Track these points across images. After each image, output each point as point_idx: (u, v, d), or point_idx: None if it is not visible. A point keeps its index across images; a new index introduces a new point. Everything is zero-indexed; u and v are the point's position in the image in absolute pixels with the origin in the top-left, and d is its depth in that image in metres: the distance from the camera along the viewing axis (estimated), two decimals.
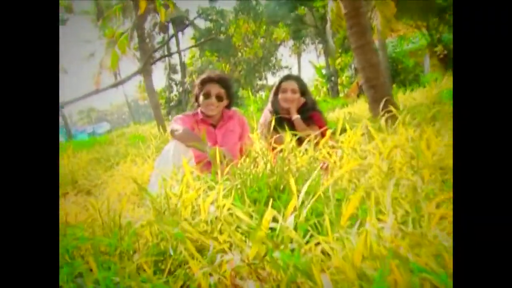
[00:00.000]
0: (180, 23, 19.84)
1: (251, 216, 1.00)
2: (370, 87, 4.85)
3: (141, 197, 1.12)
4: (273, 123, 1.66)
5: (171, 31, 20.66)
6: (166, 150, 2.17)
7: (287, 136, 1.59)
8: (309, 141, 1.74)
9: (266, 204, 1.40)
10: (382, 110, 1.89)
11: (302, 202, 0.92)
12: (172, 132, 2.29)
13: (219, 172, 1.15)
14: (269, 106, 2.66)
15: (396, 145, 1.48)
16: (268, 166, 1.62)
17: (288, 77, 2.70)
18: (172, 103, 21.39)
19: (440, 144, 1.51)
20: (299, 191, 1.55)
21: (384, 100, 4.66)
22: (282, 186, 1.60)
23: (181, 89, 20.91)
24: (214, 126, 2.46)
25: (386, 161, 1.50)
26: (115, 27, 17.13)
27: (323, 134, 2.03)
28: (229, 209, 1.15)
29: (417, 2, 10.05)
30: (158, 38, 21.28)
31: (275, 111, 2.56)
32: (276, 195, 1.52)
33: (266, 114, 2.61)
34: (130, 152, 4.01)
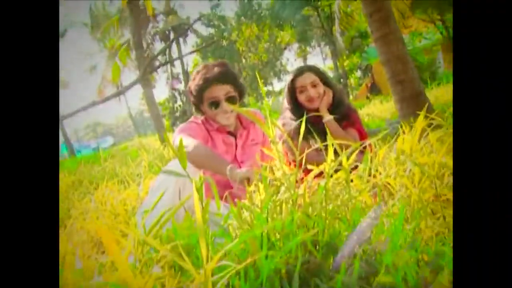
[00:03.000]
0: (181, 30, 19.34)
1: None
2: (397, 82, 4.15)
3: None
4: (302, 129, 0.97)
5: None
6: (161, 184, 1.47)
7: (330, 151, 0.90)
8: (358, 154, 1.07)
9: None
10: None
11: None
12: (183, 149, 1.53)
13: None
14: (288, 115, 1.93)
15: None
16: (298, 202, 0.95)
17: (301, 70, 1.92)
18: (176, 114, 20.83)
19: None
20: (358, 255, 0.86)
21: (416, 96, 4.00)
22: (325, 238, 0.92)
23: (185, 98, 20.35)
24: (233, 134, 1.83)
25: None
26: (115, 38, 16.68)
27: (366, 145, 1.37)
28: None
29: None
30: (160, 47, 20.79)
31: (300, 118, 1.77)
32: (317, 258, 0.84)
33: (288, 122, 1.86)
34: (117, 173, 3.36)
